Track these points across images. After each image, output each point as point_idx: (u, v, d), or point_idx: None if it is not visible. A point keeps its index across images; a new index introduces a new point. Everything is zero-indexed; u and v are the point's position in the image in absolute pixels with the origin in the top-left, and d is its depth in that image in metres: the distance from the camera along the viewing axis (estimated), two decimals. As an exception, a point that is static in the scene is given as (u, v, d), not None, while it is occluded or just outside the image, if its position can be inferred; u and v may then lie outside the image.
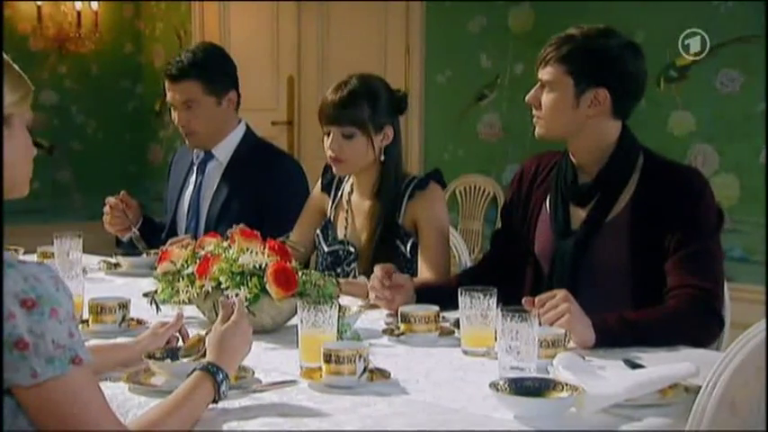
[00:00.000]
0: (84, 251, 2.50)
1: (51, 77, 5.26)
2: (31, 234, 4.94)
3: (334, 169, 2.20)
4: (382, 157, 2.16)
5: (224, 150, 2.56)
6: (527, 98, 1.89)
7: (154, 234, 2.58)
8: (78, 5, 5.22)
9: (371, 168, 2.18)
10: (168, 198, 2.72)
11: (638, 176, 1.84)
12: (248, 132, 2.60)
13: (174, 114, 2.52)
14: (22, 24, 5.07)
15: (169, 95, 2.50)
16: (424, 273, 2.13)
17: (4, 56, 1.17)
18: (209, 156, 2.58)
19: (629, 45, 1.85)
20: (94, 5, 5.29)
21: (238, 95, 2.56)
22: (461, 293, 1.64)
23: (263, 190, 2.47)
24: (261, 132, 4.98)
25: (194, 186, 2.59)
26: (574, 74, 1.81)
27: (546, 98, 1.85)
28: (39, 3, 5.04)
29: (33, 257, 2.40)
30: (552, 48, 1.84)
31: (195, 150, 2.61)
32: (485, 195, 4.27)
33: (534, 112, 1.89)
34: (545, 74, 1.85)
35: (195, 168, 2.61)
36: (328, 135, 2.14)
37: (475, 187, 4.31)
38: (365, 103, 2.11)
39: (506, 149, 4.17)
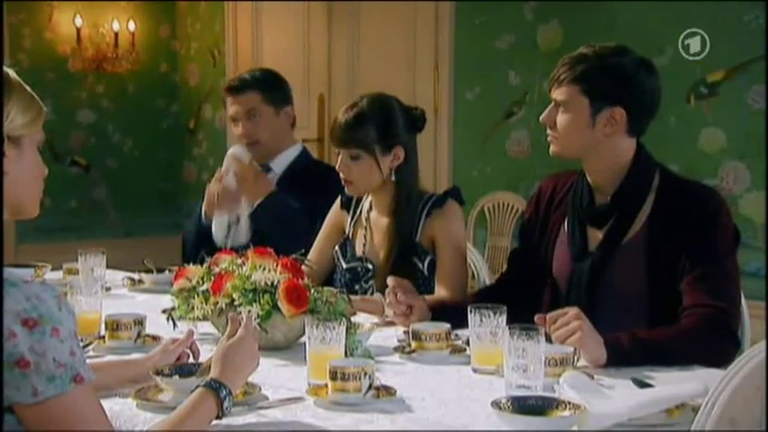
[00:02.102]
0: (118, 267, 2.56)
1: (89, 97, 5.38)
2: (68, 251, 5.04)
3: (347, 191, 2.22)
4: (393, 177, 2.18)
5: (280, 163, 2.71)
6: (541, 118, 1.89)
7: None
8: (116, 27, 5.34)
9: (387, 187, 2.19)
10: None
11: (654, 196, 1.82)
12: (305, 151, 2.80)
13: (237, 128, 2.70)
14: (62, 46, 5.20)
15: (232, 109, 2.70)
16: (441, 290, 2.13)
17: (17, 78, 1.21)
18: (265, 168, 2.70)
19: (643, 62, 1.84)
20: (132, 26, 5.41)
21: (294, 115, 2.76)
22: (471, 311, 1.64)
23: (313, 204, 2.54)
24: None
25: None
26: (589, 93, 1.81)
27: (561, 118, 1.85)
28: (78, 25, 5.17)
29: (60, 274, 2.45)
30: (566, 67, 1.84)
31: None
32: (513, 212, 4.25)
33: (549, 131, 1.89)
34: (559, 94, 1.85)
35: None
36: (339, 155, 2.17)
37: (503, 204, 4.29)
38: (371, 125, 2.13)
39: (535, 166, 4.15)
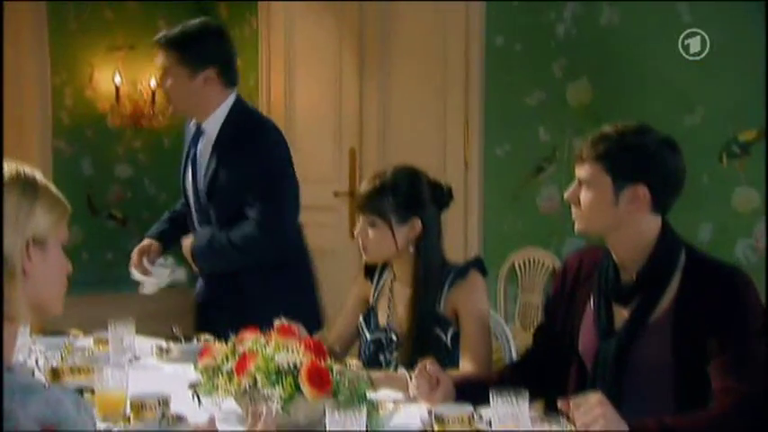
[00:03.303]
0: (152, 317, 2.65)
1: (126, 152, 5.49)
2: (106, 303, 5.11)
3: (364, 257, 2.25)
4: (411, 249, 2.19)
5: (211, 125, 2.61)
6: (566, 196, 1.90)
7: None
8: (153, 84, 5.47)
9: (407, 258, 2.21)
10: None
11: (681, 276, 1.81)
12: (235, 105, 2.64)
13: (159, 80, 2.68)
14: (101, 104, 5.33)
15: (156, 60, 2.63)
16: (465, 364, 2.12)
17: (44, 180, 1.24)
18: (201, 131, 2.65)
19: (666, 141, 1.84)
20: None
21: (224, 75, 2.59)
22: (493, 394, 1.64)
23: (249, 160, 2.54)
24: (323, 202, 5.04)
25: (191, 159, 2.69)
26: (612, 171, 1.81)
27: (585, 196, 1.85)
28: (117, 83, 5.31)
29: (90, 341, 2.49)
30: (588, 146, 1.85)
31: (193, 122, 2.69)
32: (544, 269, 4.23)
33: (573, 208, 1.89)
34: (582, 172, 1.85)
35: (193, 142, 2.70)
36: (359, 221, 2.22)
37: (534, 260, 4.27)
38: (389, 195, 2.17)
39: (566, 223, 4.11)
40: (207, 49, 2.58)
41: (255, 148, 2.56)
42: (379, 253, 2.22)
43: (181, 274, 2.74)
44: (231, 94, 2.64)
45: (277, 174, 2.57)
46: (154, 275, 2.71)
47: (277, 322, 1.94)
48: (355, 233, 2.24)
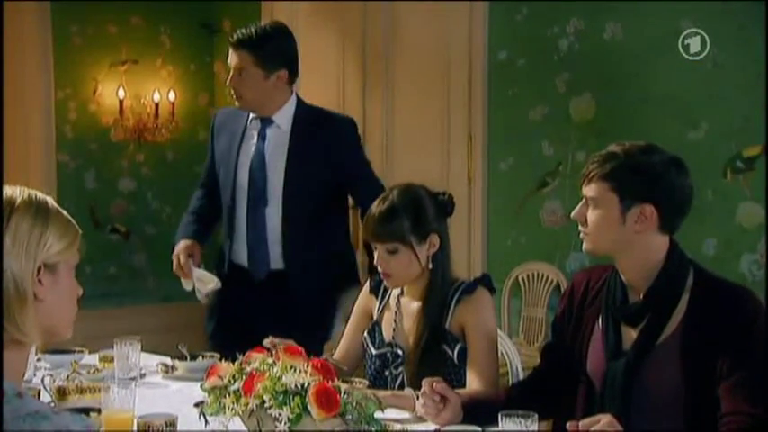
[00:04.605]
0: (154, 331, 2.64)
1: (130, 166, 5.49)
2: (108, 317, 5.11)
3: (385, 283, 2.23)
4: (431, 266, 2.18)
5: (283, 117, 2.77)
6: (573, 215, 1.90)
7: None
8: (157, 97, 5.48)
9: (422, 273, 2.20)
10: (219, 159, 2.89)
11: (689, 296, 1.81)
12: (300, 101, 2.83)
13: (229, 77, 2.76)
14: (105, 118, 5.34)
15: (229, 59, 2.76)
16: (472, 381, 2.11)
17: (55, 204, 1.24)
18: (267, 122, 2.77)
19: (673, 161, 1.84)
20: (171, 96, 5.55)
21: (291, 74, 2.77)
22: (502, 418, 1.63)
23: (332, 142, 2.74)
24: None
25: (256, 151, 2.78)
26: (618, 191, 1.81)
27: (592, 215, 1.85)
28: (121, 97, 5.32)
29: (95, 358, 2.49)
30: (595, 165, 1.85)
31: (251, 116, 2.79)
32: (548, 283, 4.22)
33: (580, 228, 1.89)
34: (589, 191, 1.85)
35: (255, 134, 2.79)
36: (375, 249, 2.19)
37: (538, 275, 4.27)
38: (405, 217, 2.15)
39: (569, 237, 4.13)
40: (281, 52, 2.74)
41: (336, 132, 2.78)
42: (406, 278, 2.20)
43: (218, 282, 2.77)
44: (294, 93, 2.82)
45: (361, 152, 2.89)
46: (200, 280, 2.72)
47: (266, 341, 1.95)
48: (375, 263, 2.22)
